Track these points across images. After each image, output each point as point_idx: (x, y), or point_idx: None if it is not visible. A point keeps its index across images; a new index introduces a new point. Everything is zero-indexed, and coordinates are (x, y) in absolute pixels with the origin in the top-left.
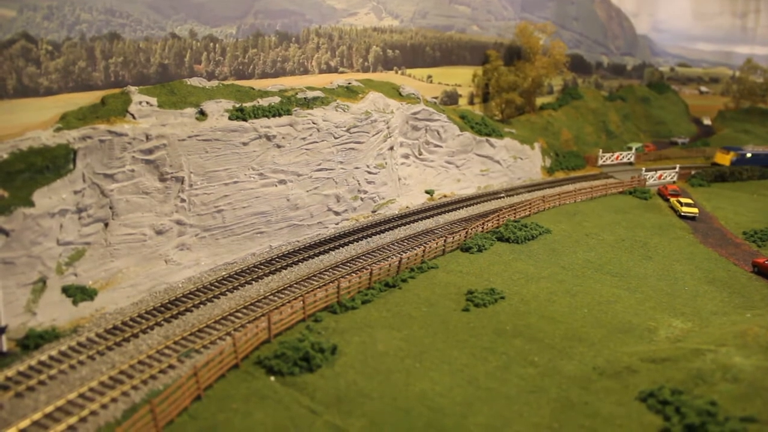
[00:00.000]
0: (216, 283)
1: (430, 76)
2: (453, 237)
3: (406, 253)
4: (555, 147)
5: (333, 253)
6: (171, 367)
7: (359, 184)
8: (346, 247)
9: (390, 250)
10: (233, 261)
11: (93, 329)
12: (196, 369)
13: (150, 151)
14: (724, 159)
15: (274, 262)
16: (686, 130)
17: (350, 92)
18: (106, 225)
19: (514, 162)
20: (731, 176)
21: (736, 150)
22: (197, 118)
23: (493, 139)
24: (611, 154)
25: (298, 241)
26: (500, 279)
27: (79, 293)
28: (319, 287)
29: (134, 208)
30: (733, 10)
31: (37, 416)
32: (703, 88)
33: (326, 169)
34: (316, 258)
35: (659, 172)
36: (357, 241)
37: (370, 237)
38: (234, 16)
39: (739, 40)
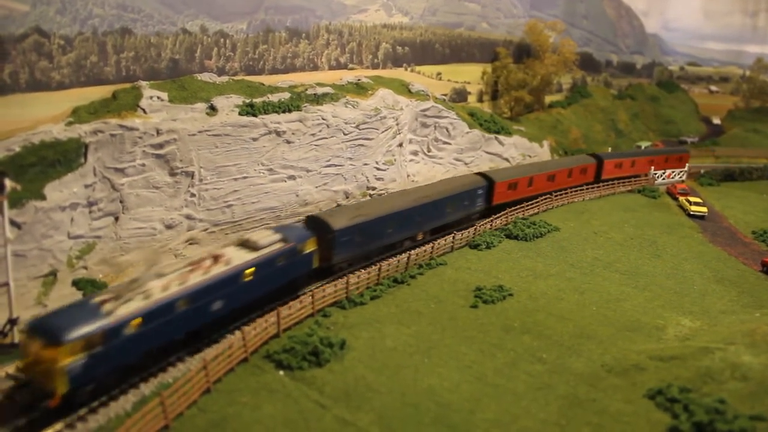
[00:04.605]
0: None
1: (439, 74)
2: (461, 234)
3: (414, 249)
4: (564, 145)
5: None
6: (180, 360)
7: (368, 180)
8: None
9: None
10: None
11: None
12: (205, 362)
13: (160, 146)
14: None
15: None
16: (696, 129)
17: (360, 89)
18: (117, 219)
19: (522, 160)
20: (740, 175)
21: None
22: (207, 114)
23: (501, 137)
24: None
25: None
26: (508, 276)
27: (89, 286)
28: (328, 282)
29: (144, 202)
30: (744, 8)
31: None
32: (713, 87)
33: (335, 165)
34: None
35: (668, 171)
36: None
37: None
38: (244, 11)
39: (749, 39)
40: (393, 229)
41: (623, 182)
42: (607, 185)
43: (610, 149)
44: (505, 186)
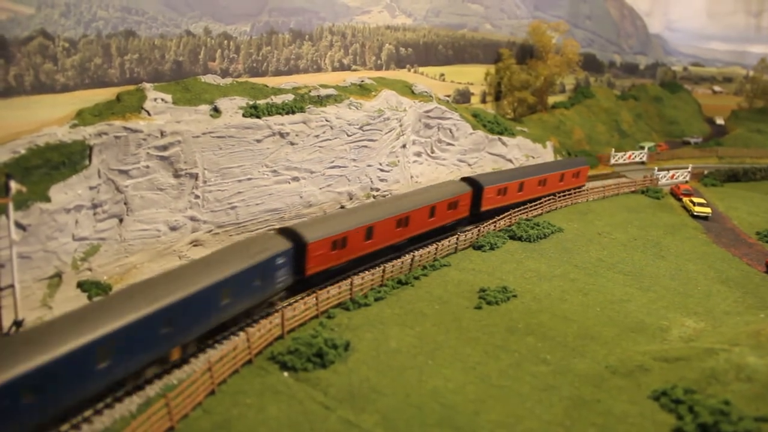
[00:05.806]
0: None
1: (442, 75)
2: (465, 235)
3: (418, 250)
4: (567, 146)
5: None
6: (185, 361)
7: (372, 181)
8: None
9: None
10: None
11: None
12: (210, 364)
13: (165, 148)
14: None
15: None
16: (699, 129)
17: (363, 90)
18: (121, 221)
19: (526, 161)
20: (744, 176)
21: None
22: (211, 115)
23: (505, 138)
24: (623, 153)
25: None
26: (512, 277)
27: (94, 288)
28: (332, 284)
29: (149, 204)
30: (748, 9)
31: None
32: (717, 88)
33: (339, 167)
34: None
35: (672, 172)
36: None
37: None
38: (248, 13)
39: (753, 39)
40: (112, 359)
41: (627, 183)
42: (610, 186)
43: (613, 150)
44: (326, 245)
